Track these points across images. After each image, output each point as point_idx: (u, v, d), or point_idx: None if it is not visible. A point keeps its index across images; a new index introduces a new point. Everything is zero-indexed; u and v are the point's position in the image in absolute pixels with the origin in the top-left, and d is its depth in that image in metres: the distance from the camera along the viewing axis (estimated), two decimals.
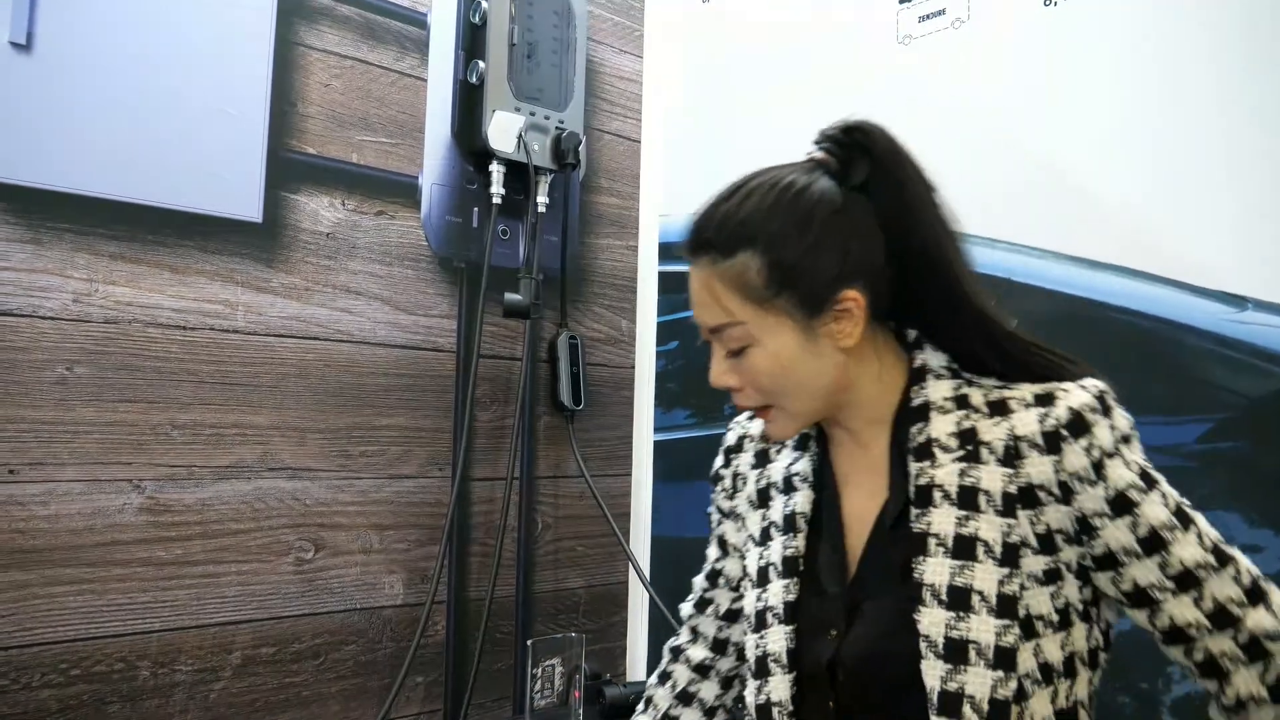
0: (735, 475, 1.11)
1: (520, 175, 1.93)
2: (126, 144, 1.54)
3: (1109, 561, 0.86)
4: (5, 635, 1.42)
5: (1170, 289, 1.43)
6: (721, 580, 1.14)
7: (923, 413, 0.92)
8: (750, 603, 1.00)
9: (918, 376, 0.94)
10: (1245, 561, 0.87)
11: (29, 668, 1.44)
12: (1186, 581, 0.84)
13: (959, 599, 0.84)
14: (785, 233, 0.88)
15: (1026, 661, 0.83)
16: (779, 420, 0.95)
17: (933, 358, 0.95)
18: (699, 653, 1.17)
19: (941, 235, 0.92)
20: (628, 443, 2.20)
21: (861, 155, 0.91)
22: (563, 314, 2.07)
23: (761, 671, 0.96)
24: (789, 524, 0.98)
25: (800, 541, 0.97)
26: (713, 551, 1.16)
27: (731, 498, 1.11)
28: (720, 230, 0.91)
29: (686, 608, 1.21)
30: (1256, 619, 0.84)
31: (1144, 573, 0.85)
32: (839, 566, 0.95)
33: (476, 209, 1.95)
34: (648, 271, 2.22)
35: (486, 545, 1.94)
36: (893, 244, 0.91)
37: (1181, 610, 0.85)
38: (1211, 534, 0.87)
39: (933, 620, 0.85)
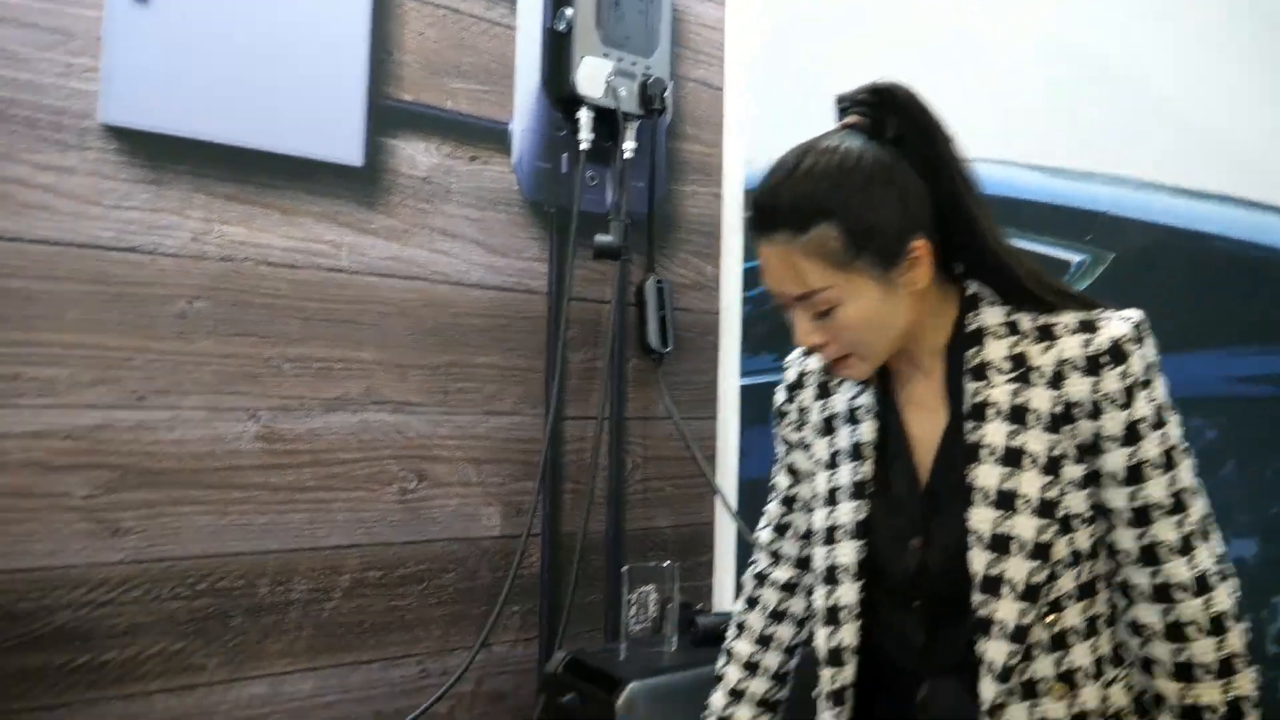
0: (800, 409, 1.18)
1: (607, 122, 1.97)
2: (238, 92, 1.63)
3: (1093, 479, 0.96)
4: (138, 550, 1.53)
5: (1277, 216, 1.40)
6: (797, 504, 1.22)
7: (977, 338, 1.00)
8: (820, 520, 1.10)
9: (970, 304, 1.02)
10: (1197, 514, 0.95)
11: (160, 580, 1.55)
12: (1140, 517, 0.95)
13: (1005, 501, 0.95)
14: (853, 199, 0.94)
15: (1060, 551, 0.95)
16: (859, 365, 1.01)
17: (981, 288, 1.03)
18: (784, 573, 1.25)
19: (966, 178, 0.99)
20: (714, 386, 2.23)
21: (890, 113, 0.97)
22: (650, 259, 2.11)
23: (830, 580, 1.07)
24: (856, 452, 1.07)
25: (868, 467, 1.06)
26: (784, 480, 1.24)
27: (799, 429, 1.19)
28: (793, 207, 0.95)
29: (764, 534, 1.28)
30: (1175, 566, 0.94)
31: (1114, 497, 0.96)
32: (911, 482, 1.04)
33: (565, 155, 1.99)
34: (732, 218, 2.24)
35: (578, 482, 2.00)
36: (930, 190, 0.98)
37: (1123, 538, 0.96)
38: (1183, 480, 0.95)
39: (981, 518, 0.96)
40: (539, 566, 1.94)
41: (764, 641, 1.24)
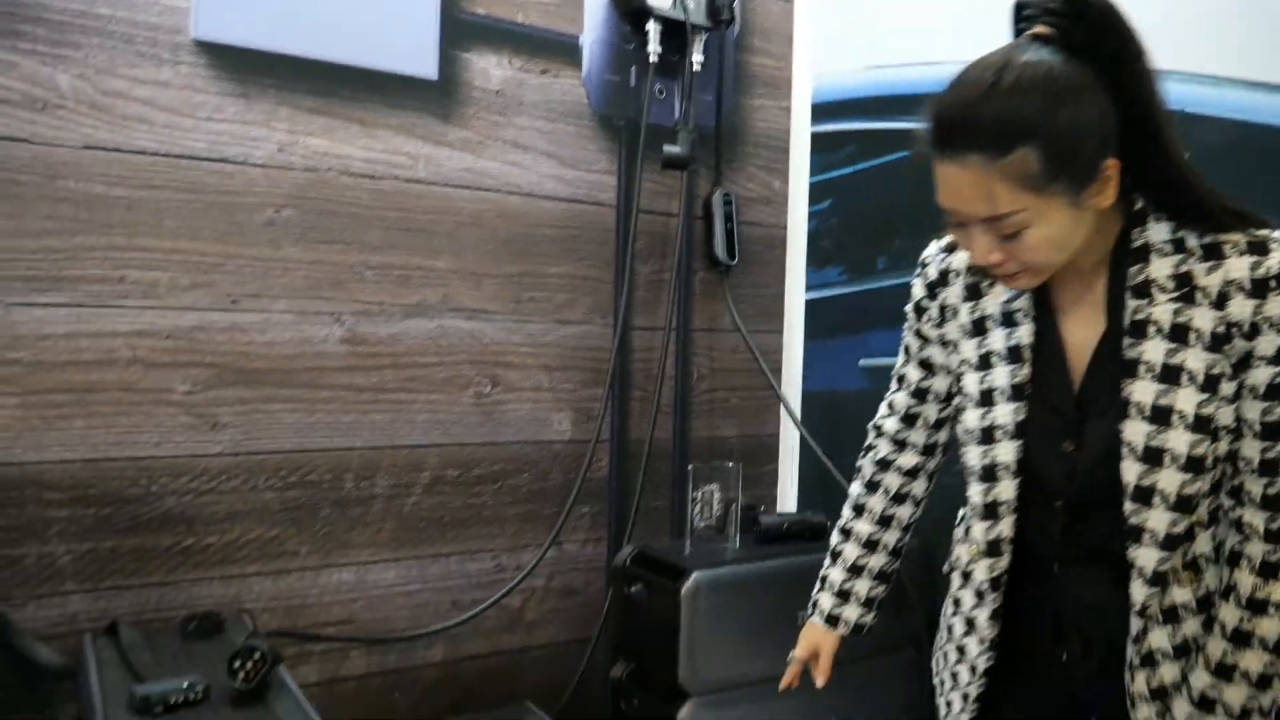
0: (943, 306, 1.16)
1: (676, 34, 1.98)
2: (320, 7, 1.67)
3: (1236, 394, 0.97)
4: (235, 444, 1.64)
5: None
6: (930, 396, 1.24)
7: (1143, 254, 0.98)
8: (974, 420, 1.10)
9: (1138, 219, 0.99)
10: None
11: (255, 472, 1.66)
12: (1269, 432, 0.96)
13: (1160, 416, 0.97)
14: (1057, 120, 0.89)
15: (1207, 460, 0.97)
16: (1030, 279, 0.99)
17: (1148, 201, 0.99)
18: (910, 459, 1.28)
19: (1158, 95, 0.94)
20: (779, 300, 2.26)
21: (1085, 24, 0.91)
22: (717, 172, 2.13)
23: (989, 477, 1.09)
24: (1014, 354, 1.06)
25: (1027, 370, 1.06)
26: (915, 372, 1.24)
27: (940, 325, 1.17)
28: (995, 128, 0.90)
29: (890, 423, 1.28)
30: None
31: (1249, 409, 0.97)
32: (1065, 388, 1.05)
33: (634, 68, 2.01)
34: (800, 132, 2.24)
35: (645, 391, 2.06)
36: (1118, 105, 0.93)
37: (1248, 448, 0.98)
38: None
39: (1134, 430, 0.98)
40: (607, 471, 2.01)
41: (885, 521, 1.28)
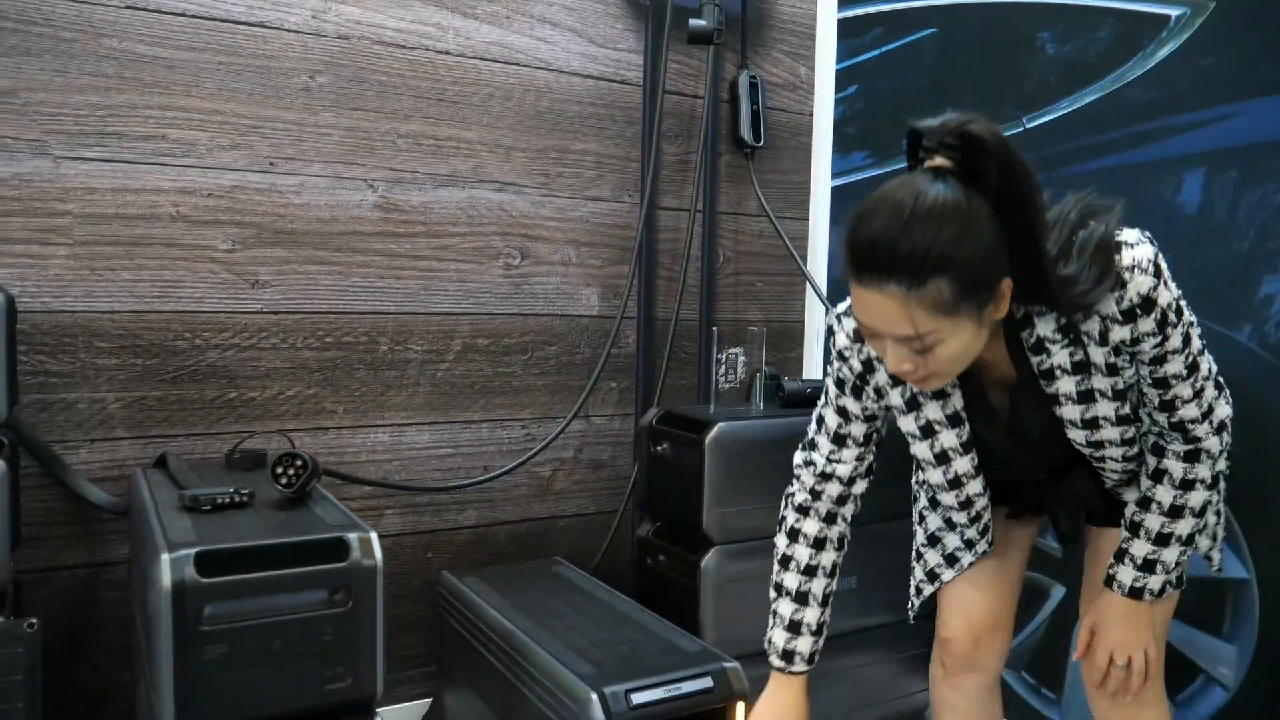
0: (876, 389, 1.28)
1: None
2: None
3: (1132, 366, 1.16)
4: (274, 302, 1.70)
5: None
6: (850, 441, 1.32)
7: (1027, 321, 1.12)
8: (936, 477, 1.30)
9: (1025, 322, 1.12)
10: (1206, 381, 1.14)
11: (293, 331, 1.72)
12: (1158, 383, 1.13)
13: (1090, 423, 1.17)
14: (965, 253, 0.97)
15: (1129, 411, 1.18)
16: (937, 381, 1.09)
17: (1030, 305, 1.12)
18: (834, 488, 1.34)
19: (1041, 214, 1.03)
20: (805, 188, 2.28)
21: (979, 158, 0.98)
22: (743, 54, 2.14)
23: (942, 460, 1.28)
24: (954, 420, 1.24)
25: (966, 430, 1.25)
26: (834, 419, 1.32)
27: (878, 400, 1.30)
28: (912, 261, 0.97)
29: (819, 456, 1.33)
30: (1187, 409, 1.14)
31: (1142, 370, 1.13)
32: (999, 425, 1.24)
33: None
34: (827, 17, 2.25)
35: (671, 270, 2.09)
36: (1006, 228, 1.02)
37: (1148, 391, 1.15)
38: (1203, 368, 1.13)
39: (1070, 412, 1.17)
40: (634, 346, 2.06)
41: (812, 570, 1.33)
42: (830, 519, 1.33)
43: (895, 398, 1.26)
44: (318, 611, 1.11)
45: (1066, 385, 1.15)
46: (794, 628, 1.31)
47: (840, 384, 1.29)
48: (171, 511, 1.20)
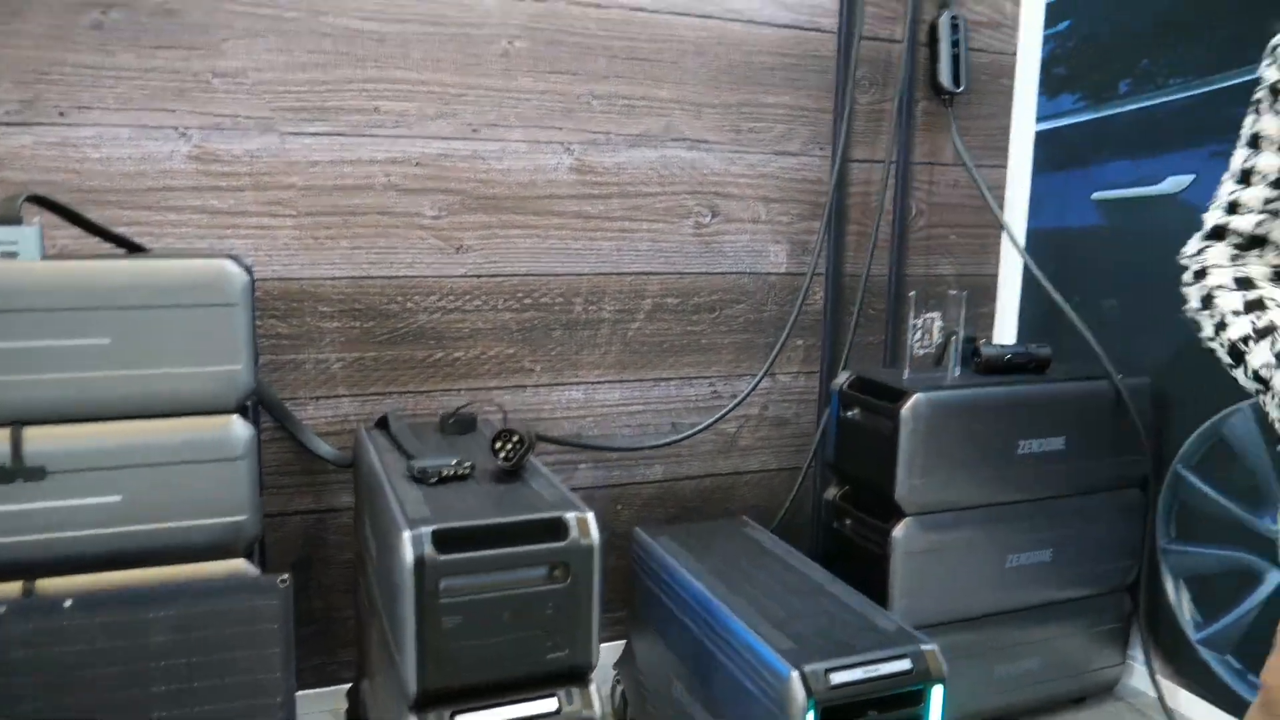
0: None
1: None
2: None
3: None
4: (478, 266, 1.76)
5: None
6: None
7: None
8: None
9: None
10: None
11: (494, 294, 1.78)
12: None
13: None
14: None
15: None
16: None
17: None
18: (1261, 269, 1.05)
19: None
20: (1005, 133, 2.16)
21: None
22: None
23: None
24: None
25: None
26: (1275, 160, 1.02)
27: None
28: None
29: (1242, 220, 1.04)
30: None
31: None
32: None
33: None
34: None
35: (863, 225, 2.04)
36: None
37: None
38: None
39: None
40: (822, 304, 2.03)
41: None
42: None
43: None
44: (540, 587, 1.17)
45: None
46: None
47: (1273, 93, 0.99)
48: (403, 483, 1.29)
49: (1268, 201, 1.03)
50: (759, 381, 1.99)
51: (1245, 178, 1.04)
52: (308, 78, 1.60)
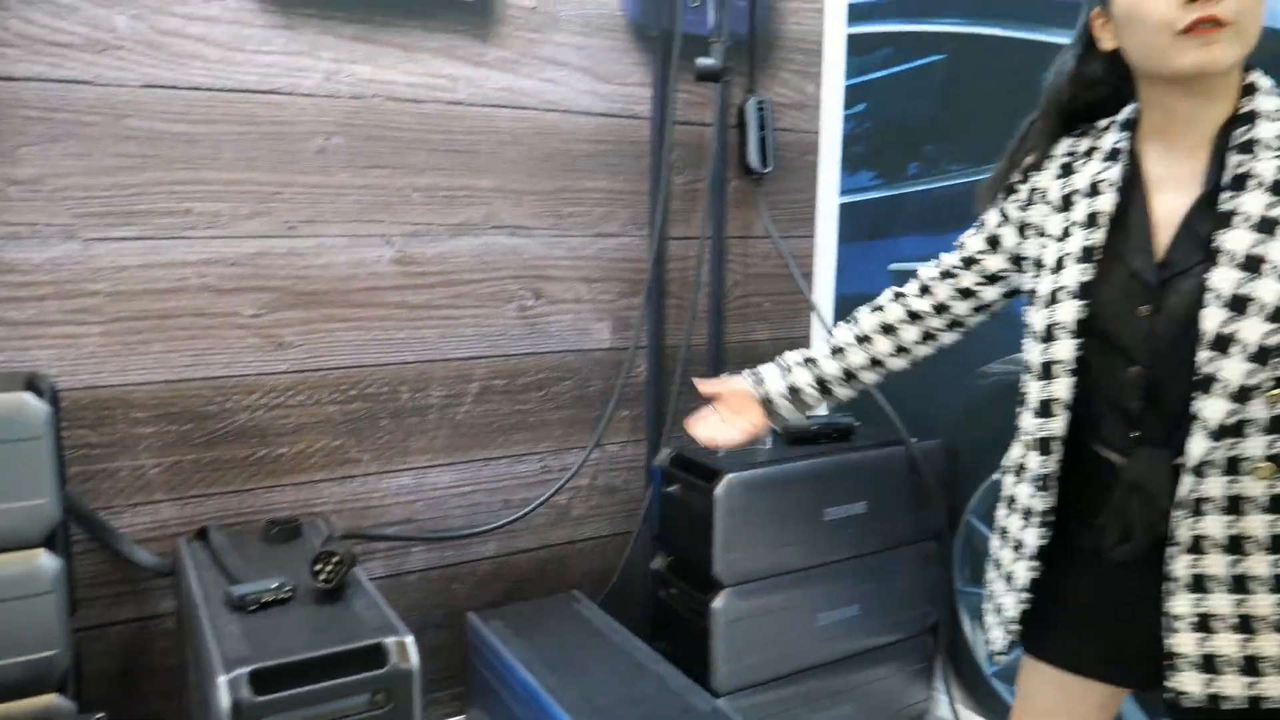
0: (1033, 190, 1.18)
1: None
2: None
3: None
4: (300, 361, 1.76)
5: None
6: (976, 268, 1.28)
7: (1249, 119, 1.00)
8: (1045, 285, 1.12)
9: (1248, 91, 1.01)
10: None
11: (318, 387, 1.79)
12: None
13: (1251, 264, 0.95)
14: None
15: None
16: (1226, 47, 0.96)
17: (1263, 79, 1.03)
18: (919, 304, 1.33)
19: None
20: (812, 205, 2.31)
21: None
22: (751, 79, 2.15)
23: (1048, 338, 1.09)
24: (1090, 220, 1.08)
25: (1100, 235, 1.07)
26: (977, 244, 1.28)
27: (1025, 208, 1.19)
28: None
29: (925, 270, 1.34)
30: None
31: None
32: (1147, 255, 1.04)
33: None
34: (834, 33, 2.24)
35: (681, 299, 2.14)
36: None
37: None
38: None
39: (1222, 278, 0.96)
40: (645, 376, 2.12)
41: (861, 340, 1.37)
42: (914, 317, 1.33)
43: (1053, 192, 1.15)
44: (361, 714, 1.21)
45: (1252, 203, 0.96)
46: (805, 363, 1.45)
47: (1007, 190, 1.23)
48: (221, 612, 1.29)
49: (951, 267, 1.31)
50: (589, 454, 2.06)
51: (957, 247, 1.32)
52: (113, 181, 1.57)
